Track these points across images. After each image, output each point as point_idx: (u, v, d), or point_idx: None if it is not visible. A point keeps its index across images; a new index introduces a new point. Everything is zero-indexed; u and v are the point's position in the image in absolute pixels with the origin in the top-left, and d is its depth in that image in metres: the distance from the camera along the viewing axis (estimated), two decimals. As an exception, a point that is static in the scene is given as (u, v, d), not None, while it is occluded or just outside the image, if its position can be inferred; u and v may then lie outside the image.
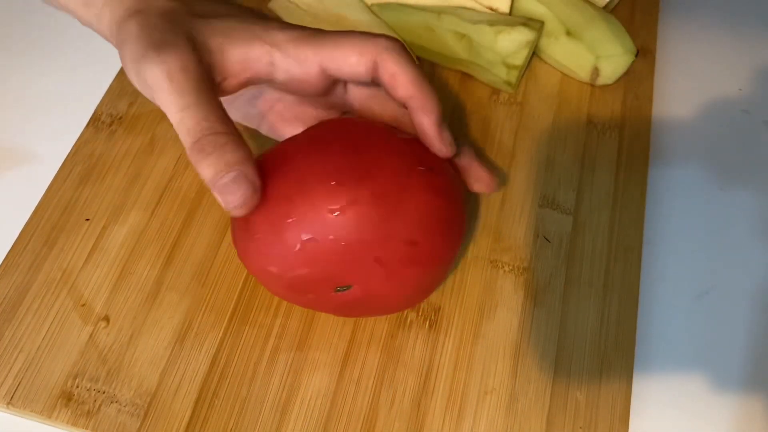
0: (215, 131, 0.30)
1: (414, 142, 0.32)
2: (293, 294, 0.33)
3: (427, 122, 0.32)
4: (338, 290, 0.33)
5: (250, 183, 0.30)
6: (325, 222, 0.30)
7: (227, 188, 0.30)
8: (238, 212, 0.31)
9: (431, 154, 0.32)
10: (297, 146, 0.32)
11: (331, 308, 0.35)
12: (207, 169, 0.30)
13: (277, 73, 0.33)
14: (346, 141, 0.32)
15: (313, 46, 0.32)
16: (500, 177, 0.41)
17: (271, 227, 0.31)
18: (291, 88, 0.34)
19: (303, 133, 0.33)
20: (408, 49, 0.35)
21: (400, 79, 0.31)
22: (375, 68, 0.31)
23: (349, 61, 0.31)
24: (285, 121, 0.38)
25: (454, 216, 0.33)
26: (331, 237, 0.30)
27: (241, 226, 0.32)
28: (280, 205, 0.31)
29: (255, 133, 0.39)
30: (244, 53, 0.32)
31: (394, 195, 0.30)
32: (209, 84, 0.31)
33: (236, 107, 0.37)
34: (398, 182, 0.31)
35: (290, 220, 0.30)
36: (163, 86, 0.30)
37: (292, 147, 0.32)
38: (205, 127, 0.30)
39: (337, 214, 0.30)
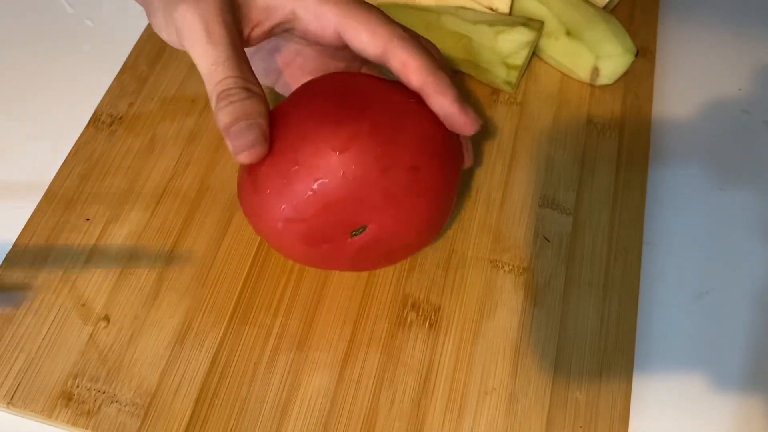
0: (242, 86, 0.31)
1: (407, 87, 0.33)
2: (308, 248, 0.33)
3: (445, 102, 0.32)
4: (354, 234, 0.33)
5: (262, 132, 0.31)
6: (330, 162, 0.31)
7: (240, 133, 0.31)
8: (246, 157, 0.31)
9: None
10: (296, 99, 0.33)
11: (347, 260, 0.35)
12: (226, 116, 0.31)
13: (297, 23, 0.33)
14: (341, 87, 0.33)
15: (334, 8, 0.32)
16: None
17: (280, 179, 0.31)
18: (310, 39, 0.34)
19: (299, 88, 0.34)
20: (439, 52, 0.36)
21: (411, 67, 0.32)
22: (385, 54, 0.32)
23: (360, 37, 0.32)
24: (305, 75, 0.38)
25: (450, 142, 0.34)
26: (338, 175, 0.31)
27: (249, 187, 0.33)
28: (285, 156, 0.31)
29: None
30: (266, 4, 0.33)
31: (391, 124, 0.31)
32: (240, 36, 0.32)
33: (255, 61, 0.37)
34: (394, 112, 0.32)
35: (296, 168, 0.31)
36: (199, 36, 0.31)
37: (291, 102, 0.33)
38: (233, 82, 0.31)
39: (340, 153, 0.31)
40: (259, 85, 0.32)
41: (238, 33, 0.32)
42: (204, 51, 0.31)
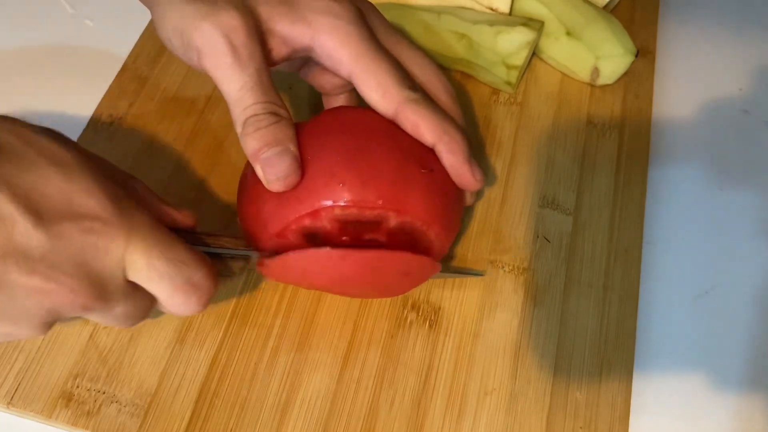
0: (271, 111, 0.31)
1: (415, 141, 0.34)
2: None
3: (454, 161, 0.33)
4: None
5: (294, 159, 0.31)
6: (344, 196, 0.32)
7: (270, 161, 0.31)
8: (279, 186, 0.31)
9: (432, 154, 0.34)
10: (316, 132, 0.33)
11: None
12: (255, 141, 0.31)
13: (313, 55, 0.34)
14: (352, 137, 0.33)
15: (350, 55, 0.32)
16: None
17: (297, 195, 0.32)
18: (323, 67, 0.35)
19: (319, 119, 0.34)
20: (446, 79, 0.36)
21: (422, 128, 0.33)
22: (396, 116, 0.33)
23: (371, 96, 0.33)
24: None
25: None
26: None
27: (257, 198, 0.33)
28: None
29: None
30: (288, 29, 0.32)
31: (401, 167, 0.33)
32: (264, 55, 0.32)
33: None
34: (401, 186, 0.32)
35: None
36: (225, 59, 0.30)
37: (312, 133, 0.33)
38: (261, 108, 0.31)
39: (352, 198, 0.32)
40: (287, 109, 0.32)
41: (262, 52, 0.32)
42: (231, 75, 0.31)
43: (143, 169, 0.43)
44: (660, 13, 0.52)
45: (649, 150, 0.45)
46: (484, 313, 0.39)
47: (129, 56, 0.48)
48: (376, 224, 0.33)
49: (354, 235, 0.33)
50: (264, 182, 0.32)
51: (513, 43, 0.44)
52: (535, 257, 0.41)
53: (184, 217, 0.33)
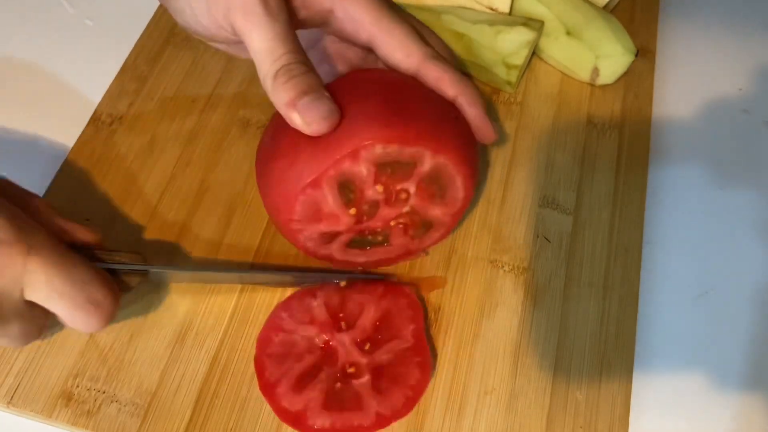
0: (301, 60, 0.32)
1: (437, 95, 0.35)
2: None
3: (476, 113, 0.35)
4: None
5: (331, 101, 0.32)
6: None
7: (309, 106, 0.31)
8: (322, 126, 0.31)
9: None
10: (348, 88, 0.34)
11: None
12: (291, 90, 0.31)
13: (333, 20, 0.34)
14: (383, 88, 0.34)
15: (372, 18, 0.34)
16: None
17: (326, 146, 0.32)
18: (340, 37, 0.36)
19: (349, 77, 0.35)
20: (453, 55, 0.37)
21: (445, 81, 0.34)
22: (418, 71, 0.34)
23: (395, 55, 0.34)
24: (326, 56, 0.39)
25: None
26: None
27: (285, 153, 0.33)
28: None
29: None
30: None
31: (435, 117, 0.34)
32: (290, 11, 0.32)
33: None
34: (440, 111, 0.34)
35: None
36: (257, 9, 0.31)
37: (342, 89, 0.34)
38: (293, 57, 0.31)
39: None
40: (310, 61, 0.32)
41: (287, 8, 0.32)
42: (263, 25, 0.31)
43: (143, 169, 0.43)
44: (660, 13, 0.52)
45: (649, 150, 0.45)
46: (484, 313, 0.39)
47: (129, 56, 0.48)
48: (410, 168, 0.33)
49: (387, 185, 0.34)
50: (303, 127, 0.31)
51: (513, 42, 0.44)
52: (535, 257, 0.41)
53: (85, 234, 0.33)
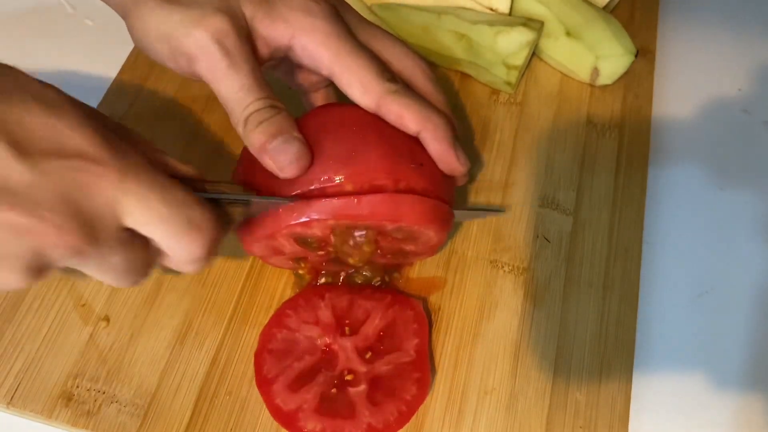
0: (270, 104, 0.31)
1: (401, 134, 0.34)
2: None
3: (439, 148, 0.34)
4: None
5: (302, 143, 0.31)
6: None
7: (279, 149, 0.31)
8: (292, 170, 0.31)
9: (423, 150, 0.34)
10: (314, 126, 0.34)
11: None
12: (261, 134, 0.31)
13: (292, 56, 0.34)
14: (343, 140, 0.33)
15: (329, 53, 0.33)
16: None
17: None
18: (302, 68, 0.35)
19: (314, 115, 0.35)
20: (425, 62, 0.36)
21: (406, 119, 0.33)
22: (378, 109, 0.33)
23: (353, 93, 0.33)
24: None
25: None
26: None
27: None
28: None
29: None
30: (269, 30, 0.33)
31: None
32: (253, 53, 0.32)
33: None
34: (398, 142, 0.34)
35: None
36: (219, 63, 0.31)
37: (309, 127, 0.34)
38: (261, 103, 0.31)
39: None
40: (282, 102, 0.32)
41: (251, 50, 0.32)
42: (228, 78, 0.31)
43: (143, 169, 0.43)
44: (660, 13, 0.52)
45: (649, 150, 0.45)
46: (484, 313, 0.39)
47: (129, 56, 0.48)
48: (373, 229, 0.34)
49: (345, 239, 0.34)
50: (277, 171, 0.32)
51: (513, 43, 0.44)
52: (535, 257, 0.41)
53: (187, 169, 0.31)
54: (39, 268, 0.25)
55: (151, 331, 0.38)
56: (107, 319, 0.38)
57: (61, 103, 0.26)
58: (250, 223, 0.34)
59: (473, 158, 0.44)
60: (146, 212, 0.27)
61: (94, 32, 0.51)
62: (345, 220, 0.32)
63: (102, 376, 0.36)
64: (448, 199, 0.35)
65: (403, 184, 0.33)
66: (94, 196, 0.25)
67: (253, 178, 0.34)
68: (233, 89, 0.31)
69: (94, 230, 0.25)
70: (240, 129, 0.32)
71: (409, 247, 0.36)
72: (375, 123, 0.33)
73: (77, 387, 0.36)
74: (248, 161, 0.34)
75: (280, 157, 0.31)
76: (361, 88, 0.33)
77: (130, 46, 0.48)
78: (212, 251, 0.29)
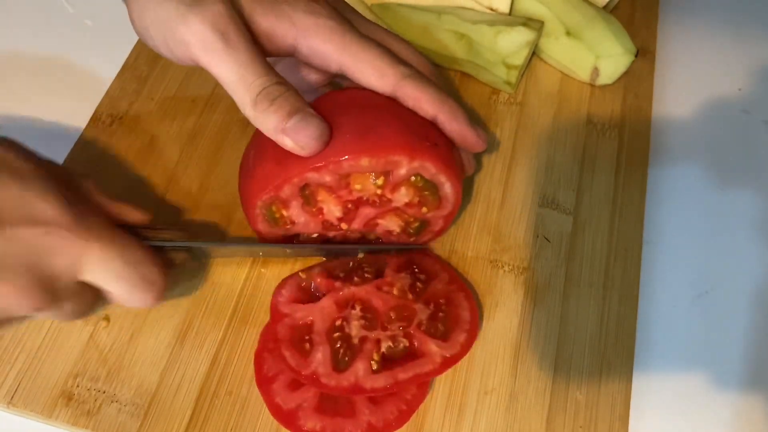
0: (277, 81, 0.31)
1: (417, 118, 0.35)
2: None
3: (457, 128, 0.34)
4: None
5: (320, 119, 0.31)
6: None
7: (298, 127, 0.31)
8: (312, 147, 0.31)
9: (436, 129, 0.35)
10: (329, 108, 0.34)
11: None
12: (273, 115, 0.31)
13: (298, 54, 0.34)
14: (360, 116, 0.34)
15: (337, 48, 0.33)
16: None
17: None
18: (311, 66, 0.35)
19: (320, 102, 0.35)
20: (425, 57, 0.36)
21: (423, 102, 0.34)
22: (395, 93, 0.34)
23: (368, 79, 0.33)
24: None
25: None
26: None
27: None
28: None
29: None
30: (271, 28, 0.33)
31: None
32: (252, 36, 0.32)
33: None
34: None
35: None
36: (215, 45, 0.31)
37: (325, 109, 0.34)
38: (267, 81, 0.31)
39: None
40: (287, 80, 0.32)
41: (249, 34, 0.32)
42: (225, 58, 0.31)
43: (143, 169, 0.43)
44: (660, 13, 0.52)
45: (649, 150, 0.45)
46: (484, 313, 0.39)
47: (129, 56, 0.48)
48: (387, 175, 0.34)
49: (361, 192, 0.35)
50: (297, 150, 0.32)
51: (513, 43, 0.44)
52: (535, 257, 0.41)
53: (135, 215, 0.34)
54: (1, 323, 0.28)
55: (151, 330, 0.38)
56: (107, 318, 0.38)
57: (28, 171, 0.28)
58: (261, 177, 0.34)
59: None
60: (106, 272, 0.30)
61: (94, 32, 0.51)
62: (363, 157, 0.32)
63: (102, 376, 0.36)
64: (458, 181, 0.36)
65: (418, 161, 0.33)
66: (58, 258, 0.28)
67: (266, 160, 0.34)
68: (233, 69, 0.31)
69: (53, 289, 0.28)
70: (249, 111, 0.31)
71: (426, 214, 0.36)
72: (389, 103, 0.34)
73: (77, 387, 0.36)
74: (260, 143, 0.34)
75: (300, 136, 0.31)
76: (377, 73, 0.33)
77: (130, 46, 0.48)
78: (160, 299, 0.32)
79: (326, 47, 0.33)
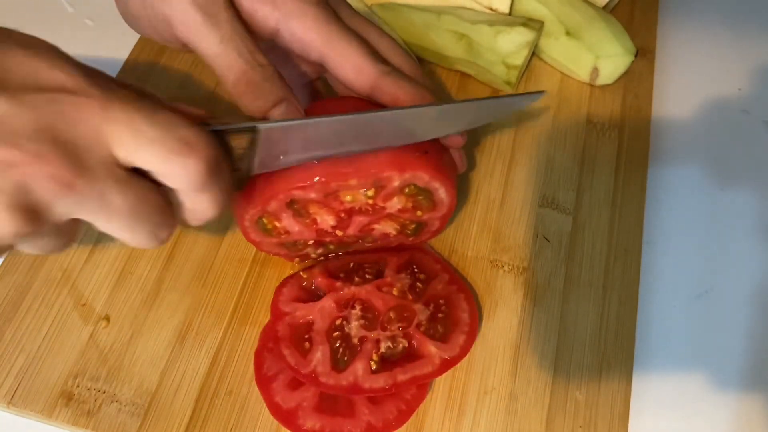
0: (260, 63, 0.30)
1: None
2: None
3: None
4: None
5: (300, 109, 0.31)
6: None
7: (284, 117, 0.30)
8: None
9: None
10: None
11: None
12: (257, 101, 0.30)
13: (280, 40, 0.33)
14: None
15: (320, 37, 0.32)
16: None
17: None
18: (291, 53, 0.34)
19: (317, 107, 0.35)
20: (408, 50, 0.35)
21: (402, 99, 0.33)
22: (372, 91, 0.33)
23: (346, 74, 0.33)
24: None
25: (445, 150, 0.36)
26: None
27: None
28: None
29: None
30: (254, 8, 0.32)
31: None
32: (237, 12, 0.31)
33: None
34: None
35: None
36: (191, 16, 0.30)
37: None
38: (249, 60, 0.30)
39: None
40: (271, 60, 0.31)
41: (234, 8, 0.31)
42: (203, 31, 0.30)
43: (143, 169, 0.43)
44: (660, 13, 0.52)
45: (649, 150, 0.45)
46: (484, 313, 0.39)
47: (129, 56, 0.48)
48: (382, 186, 0.33)
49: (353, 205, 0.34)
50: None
51: (513, 43, 0.44)
52: (534, 257, 0.41)
53: (192, 110, 0.30)
54: (29, 207, 0.24)
55: (151, 330, 0.38)
56: (107, 318, 0.38)
57: (42, 45, 0.25)
58: (250, 190, 0.33)
59: (473, 158, 0.44)
60: (134, 136, 0.25)
61: (94, 32, 0.51)
62: (350, 177, 0.32)
63: (102, 376, 0.36)
64: (452, 185, 0.35)
65: (409, 173, 0.33)
66: (77, 125, 0.24)
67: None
68: (214, 42, 0.30)
69: (80, 160, 0.24)
70: (230, 90, 0.31)
71: (419, 214, 0.36)
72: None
73: (77, 386, 0.36)
74: None
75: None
76: (355, 69, 0.33)
77: (130, 47, 0.48)
78: (213, 173, 0.27)
79: (308, 35, 0.32)
